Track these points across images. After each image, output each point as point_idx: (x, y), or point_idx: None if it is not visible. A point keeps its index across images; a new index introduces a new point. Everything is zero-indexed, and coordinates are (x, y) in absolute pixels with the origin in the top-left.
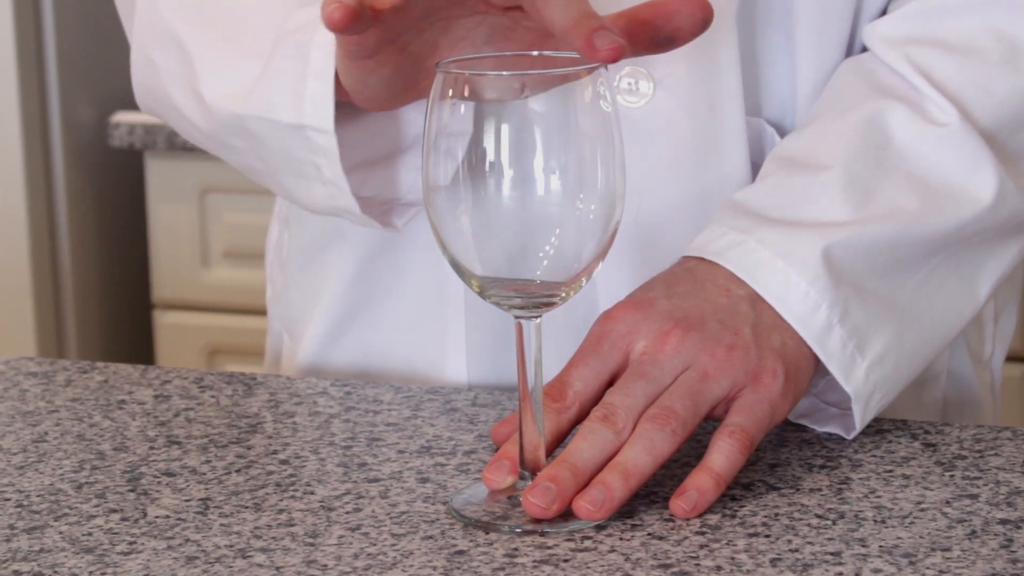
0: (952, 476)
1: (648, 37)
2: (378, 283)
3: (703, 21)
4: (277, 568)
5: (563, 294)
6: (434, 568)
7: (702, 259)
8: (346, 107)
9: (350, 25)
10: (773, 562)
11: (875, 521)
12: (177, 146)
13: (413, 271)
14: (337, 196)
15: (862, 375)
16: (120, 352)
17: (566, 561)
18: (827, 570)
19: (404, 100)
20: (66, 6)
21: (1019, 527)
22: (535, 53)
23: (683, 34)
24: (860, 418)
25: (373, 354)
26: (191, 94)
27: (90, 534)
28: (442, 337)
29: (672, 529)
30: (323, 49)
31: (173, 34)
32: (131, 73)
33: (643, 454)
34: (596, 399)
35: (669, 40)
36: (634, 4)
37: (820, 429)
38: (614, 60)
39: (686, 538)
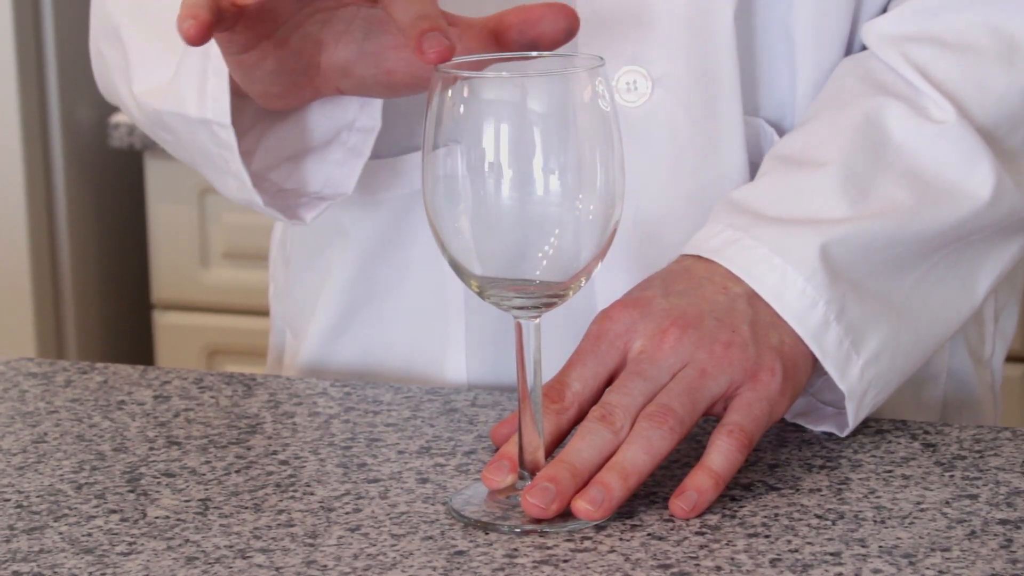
0: (952, 476)
1: (511, 40)
2: (379, 280)
3: (567, 31)
4: (277, 569)
5: (562, 294)
6: (434, 568)
7: (699, 257)
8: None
9: (205, 37)
10: (773, 562)
11: (875, 521)
12: None
13: (414, 269)
14: (243, 188)
15: (857, 372)
16: (120, 353)
17: (566, 561)
18: (827, 570)
19: (301, 97)
20: (66, 6)
21: (1019, 527)
22: (534, 54)
23: (545, 40)
24: (853, 416)
25: (374, 351)
26: (128, 87)
27: (90, 535)
28: (442, 335)
29: (672, 529)
30: None
31: (114, 27)
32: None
33: (641, 453)
34: (595, 399)
35: (532, 44)
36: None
37: (815, 428)
38: (439, 61)
39: (686, 538)
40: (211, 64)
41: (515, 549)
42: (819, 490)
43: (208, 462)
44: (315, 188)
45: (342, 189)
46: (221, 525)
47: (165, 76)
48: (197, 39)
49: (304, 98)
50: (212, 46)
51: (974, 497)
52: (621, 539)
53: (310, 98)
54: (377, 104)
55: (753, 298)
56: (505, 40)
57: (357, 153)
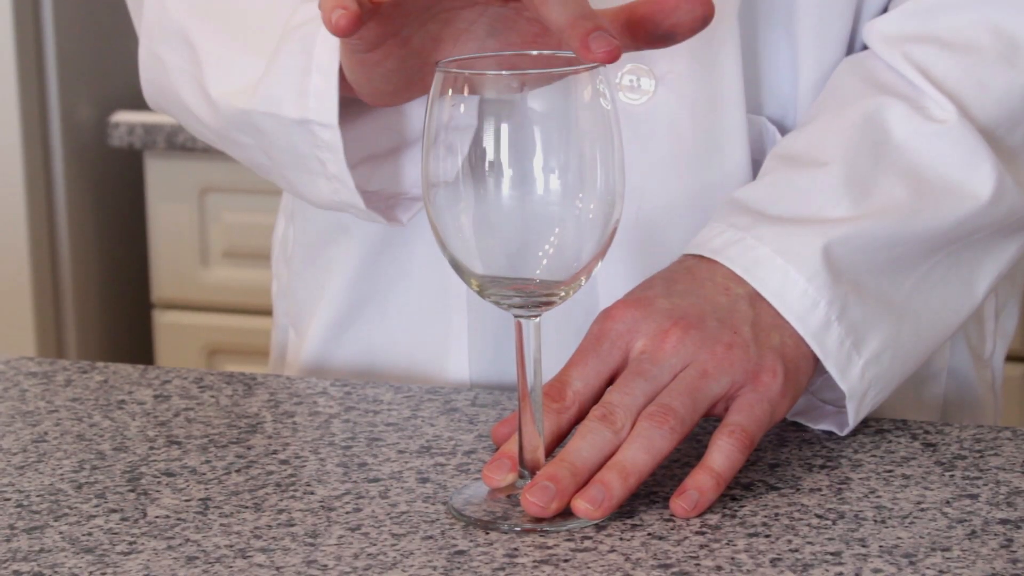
0: (952, 476)
1: (646, 32)
2: (382, 278)
3: (703, 19)
4: (277, 568)
5: (562, 293)
6: (434, 568)
7: (701, 257)
8: (351, 101)
9: (356, 28)
10: (773, 562)
11: (875, 521)
12: (177, 146)
13: (416, 266)
14: (341, 191)
15: (858, 372)
16: (120, 352)
17: (566, 561)
18: (827, 570)
19: (409, 95)
20: (66, 6)
21: (1019, 527)
22: (534, 53)
23: (682, 30)
24: (853, 415)
25: (377, 349)
26: (198, 90)
27: (90, 534)
28: (445, 333)
29: (672, 529)
30: (327, 44)
31: (180, 30)
32: (139, 70)
33: (641, 453)
34: (596, 398)
35: (668, 36)
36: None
37: (815, 427)
38: (609, 61)
39: (686, 538)
40: (314, 62)
41: (515, 549)
42: (819, 490)
43: (208, 462)
44: (406, 187)
45: None
46: (221, 525)
47: (250, 77)
48: (349, 29)
49: (412, 96)
50: (315, 44)
51: (974, 497)
52: (621, 539)
53: (417, 95)
54: (473, 102)
55: (755, 299)
56: (639, 33)
57: (454, 151)
